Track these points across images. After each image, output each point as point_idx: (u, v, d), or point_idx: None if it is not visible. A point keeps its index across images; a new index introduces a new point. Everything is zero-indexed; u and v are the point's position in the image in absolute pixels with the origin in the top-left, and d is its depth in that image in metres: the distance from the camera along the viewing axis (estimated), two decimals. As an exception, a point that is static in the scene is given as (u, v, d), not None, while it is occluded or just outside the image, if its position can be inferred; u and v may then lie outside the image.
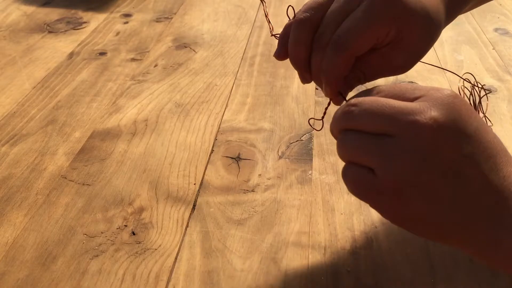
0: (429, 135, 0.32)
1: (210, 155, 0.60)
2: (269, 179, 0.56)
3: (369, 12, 0.38)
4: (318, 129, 0.44)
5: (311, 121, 0.59)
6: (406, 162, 0.33)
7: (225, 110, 0.69)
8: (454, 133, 0.33)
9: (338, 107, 0.38)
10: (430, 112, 0.33)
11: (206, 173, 0.57)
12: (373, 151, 0.33)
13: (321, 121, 0.44)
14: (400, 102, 0.34)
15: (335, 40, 0.39)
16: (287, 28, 0.42)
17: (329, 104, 0.42)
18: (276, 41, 0.42)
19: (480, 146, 0.33)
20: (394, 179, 0.33)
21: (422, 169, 0.33)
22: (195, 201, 0.53)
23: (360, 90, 0.38)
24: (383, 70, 0.42)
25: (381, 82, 0.70)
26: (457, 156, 0.33)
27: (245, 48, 0.86)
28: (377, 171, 0.33)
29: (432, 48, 0.86)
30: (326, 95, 0.41)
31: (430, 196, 0.33)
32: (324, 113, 0.43)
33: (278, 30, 0.42)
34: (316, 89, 0.73)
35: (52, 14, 0.99)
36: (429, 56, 0.71)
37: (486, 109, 0.49)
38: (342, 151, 0.36)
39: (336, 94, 0.40)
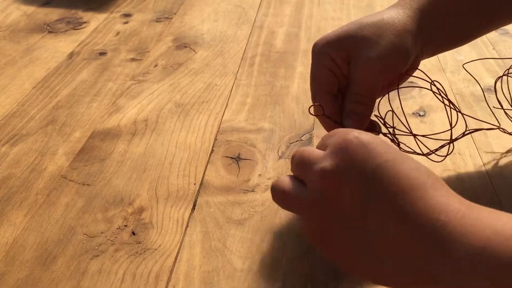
0: (328, 183, 0.33)
1: (210, 155, 0.60)
2: (269, 179, 0.56)
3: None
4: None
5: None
6: (313, 212, 0.34)
7: (225, 110, 0.69)
8: (351, 176, 0.32)
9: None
10: (327, 160, 0.33)
11: (206, 173, 0.57)
12: (296, 198, 0.36)
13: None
14: (316, 152, 0.36)
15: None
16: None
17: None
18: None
19: (383, 183, 0.31)
20: (309, 226, 0.35)
21: (329, 219, 0.33)
22: (195, 201, 0.53)
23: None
24: (365, 82, 0.46)
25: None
26: (358, 199, 0.31)
27: (245, 48, 0.86)
28: (302, 216, 0.36)
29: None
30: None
31: (343, 249, 0.33)
32: None
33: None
34: (316, 89, 0.73)
35: (52, 14, 0.99)
36: (429, 56, 0.71)
37: (466, 128, 0.50)
38: (274, 194, 0.38)
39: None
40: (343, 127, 0.46)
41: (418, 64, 0.50)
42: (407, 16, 0.47)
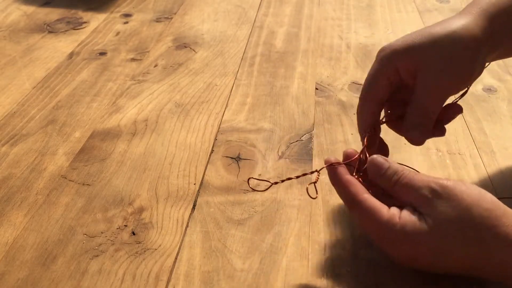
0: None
1: (210, 155, 0.60)
2: (269, 179, 0.56)
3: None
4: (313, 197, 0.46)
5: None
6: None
7: (225, 110, 0.69)
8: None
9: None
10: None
11: (206, 173, 0.57)
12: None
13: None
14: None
15: None
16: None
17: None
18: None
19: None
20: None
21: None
22: (195, 201, 0.53)
23: None
24: (432, 96, 0.46)
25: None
26: None
27: (245, 48, 0.86)
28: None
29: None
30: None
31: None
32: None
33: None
34: (316, 89, 0.73)
35: (52, 14, 0.99)
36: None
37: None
38: None
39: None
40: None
41: (482, 71, 0.49)
42: (476, 25, 0.46)
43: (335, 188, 0.44)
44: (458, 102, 0.50)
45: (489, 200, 0.39)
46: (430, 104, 0.46)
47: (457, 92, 0.49)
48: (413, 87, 0.47)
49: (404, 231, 0.39)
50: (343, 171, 0.44)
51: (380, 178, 0.43)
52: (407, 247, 0.40)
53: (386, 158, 0.44)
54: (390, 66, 0.47)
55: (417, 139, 0.47)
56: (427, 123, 0.47)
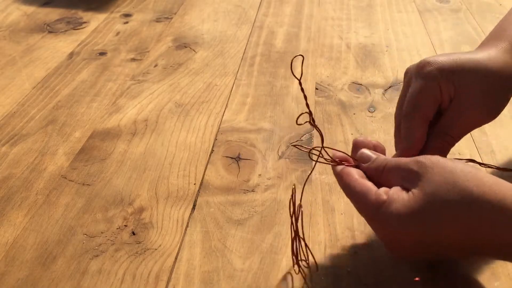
0: None
1: (210, 155, 0.60)
2: (269, 179, 0.56)
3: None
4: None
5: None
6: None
7: (225, 110, 0.69)
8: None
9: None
10: None
11: (206, 173, 0.57)
12: None
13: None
14: None
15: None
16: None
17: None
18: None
19: None
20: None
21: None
22: (195, 201, 0.53)
23: None
24: (462, 127, 0.46)
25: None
26: None
27: (245, 48, 0.86)
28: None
29: (432, 48, 0.86)
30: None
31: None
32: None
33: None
34: (316, 89, 0.73)
35: (52, 14, 0.99)
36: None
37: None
38: None
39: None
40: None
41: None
42: (506, 63, 0.46)
43: (336, 179, 0.44)
44: None
45: (475, 170, 0.38)
46: (456, 134, 0.46)
47: (481, 125, 0.48)
48: (444, 110, 0.46)
49: (393, 208, 0.38)
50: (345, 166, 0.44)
51: (370, 170, 0.43)
52: (397, 224, 0.38)
53: (375, 152, 0.44)
54: (435, 83, 0.45)
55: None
56: (448, 149, 0.47)
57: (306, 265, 0.45)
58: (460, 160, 0.41)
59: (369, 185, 0.41)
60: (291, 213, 0.43)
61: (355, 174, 0.43)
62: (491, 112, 0.47)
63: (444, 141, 0.46)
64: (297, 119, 0.43)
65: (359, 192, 0.41)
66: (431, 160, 0.39)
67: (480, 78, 0.45)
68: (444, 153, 0.47)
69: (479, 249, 0.38)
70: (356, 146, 0.46)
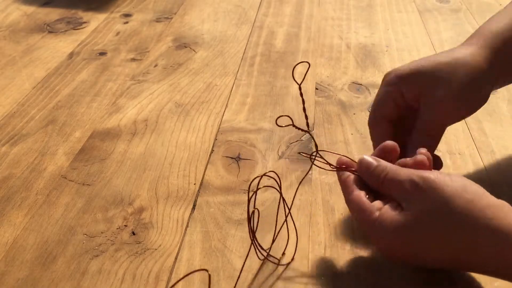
0: None
1: (210, 155, 0.60)
2: (269, 179, 0.56)
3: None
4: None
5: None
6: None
7: (225, 110, 0.69)
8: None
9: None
10: None
11: (206, 173, 0.57)
12: None
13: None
14: None
15: None
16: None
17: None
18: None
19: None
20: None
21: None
22: (195, 201, 0.53)
23: None
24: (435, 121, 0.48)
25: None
26: None
27: (245, 48, 0.86)
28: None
29: (432, 48, 0.87)
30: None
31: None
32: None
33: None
34: (316, 89, 0.73)
35: (52, 14, 0.99)
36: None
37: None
38: None
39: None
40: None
41: (488, 97, 0.50)
42: (479, 55, 0.48)
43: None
44: None
45: (472, 191, 0.39)
46: (432, 128, 0.48)
47: (459, 118, 0.50)
48: (417, 111, 0.48)
49: (382, 226, 0.40)
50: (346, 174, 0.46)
51: (370, 178, 0.44)
52: (386, 241, 0.41)
53: (376, 157, 0.45)
54: (394, 89, 0.49)
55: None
56: (430, 144, 0.48)
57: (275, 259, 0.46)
58: (461, 177, 0.42)
59: (363, 200, 0.43)
60: (248, 218, 0.43)
61: (352, 186, 0.44)
62: (460, 104, 0.48)
63: (425, 135, 0.48)
64: (276, 120, 0.44)
65: (355, 207, 0.43)
66: (425, 181, 0.40)
67: (442, 74, 0.47)
68: (432, 149, 0.48)
69: (472, 268, 0.41)
70: (385, 150, 0.46)
